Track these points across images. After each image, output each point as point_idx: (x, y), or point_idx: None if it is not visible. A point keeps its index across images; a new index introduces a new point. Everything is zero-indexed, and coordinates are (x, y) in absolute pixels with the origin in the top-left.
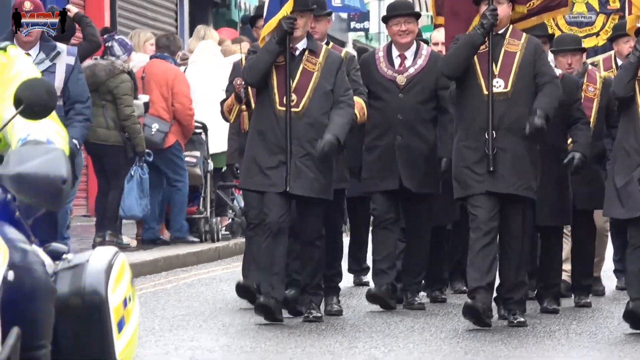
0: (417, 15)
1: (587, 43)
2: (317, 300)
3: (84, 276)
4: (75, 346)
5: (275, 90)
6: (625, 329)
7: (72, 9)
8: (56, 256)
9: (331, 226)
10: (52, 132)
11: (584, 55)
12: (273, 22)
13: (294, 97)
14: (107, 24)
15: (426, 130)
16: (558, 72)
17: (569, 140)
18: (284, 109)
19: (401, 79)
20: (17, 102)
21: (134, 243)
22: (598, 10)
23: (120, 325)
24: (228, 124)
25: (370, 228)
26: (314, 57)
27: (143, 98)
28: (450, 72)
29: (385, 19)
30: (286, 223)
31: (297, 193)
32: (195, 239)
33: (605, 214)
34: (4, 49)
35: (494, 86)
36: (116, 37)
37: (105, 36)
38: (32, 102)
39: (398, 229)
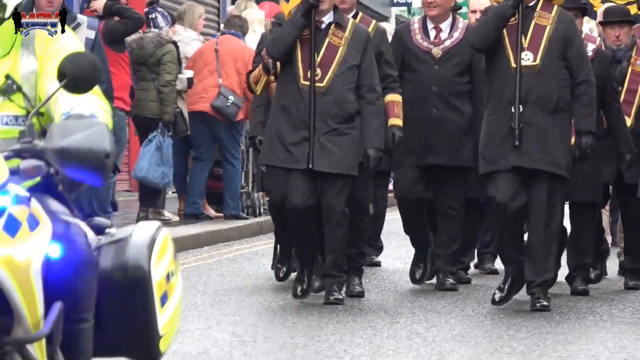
0: None
1: None
2: (337, 282)
3: (127, 250)
4: (118, 320)
5: (300, 64)
6: None
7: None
8: (99, 230)
9: (355, 203)
10: (95, 105)
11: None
12: None
13: (318, 71)
14: None
15: (461, 103)
16: (592, 46)
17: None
18: (308, 83)
19: (437, 51)
20: (61, 75)
21: (175, 218)
22: None
23: (163, 300)
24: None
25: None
26: (340, 30)
27: (187, 73)
28: (478, 43)
29: None
30: (312, 207)
31: (321, 169)
32: (248, 216)
33: None
34: (49, 23)
35: (523, 59)
36: (158, 8)
37: (146, 9)
38: (75, 75)
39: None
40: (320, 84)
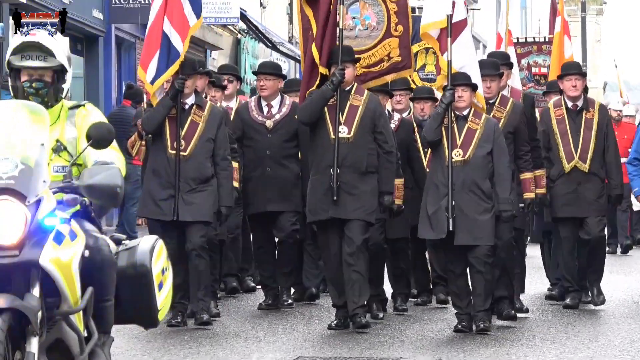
0: (279, 75)
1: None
2: (205, 305)
3: (136, 254)
4: (130, 300)
5: (168, 137)
6: None
7: None
8: (118, 242)
9: (210, 243)
10: (113, 156)
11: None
12: (160, 81)
13: (182, 143)
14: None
15: (289, 162)
16: (397, 116)
17: None
18: (174, 152)
19: (269, 123)
20: (88, 138)
21: None
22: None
23: (160, 286)
24: None
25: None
26: (200, 110)
27: None
28: (306, 119)
29: (254, 73)
30: (180, 250)
31: (185, 219)
32: None
33: (420, 235)
34: (84, 105)
35: (340, 132)
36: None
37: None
38: (97, 137)
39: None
40: (184, 153)
